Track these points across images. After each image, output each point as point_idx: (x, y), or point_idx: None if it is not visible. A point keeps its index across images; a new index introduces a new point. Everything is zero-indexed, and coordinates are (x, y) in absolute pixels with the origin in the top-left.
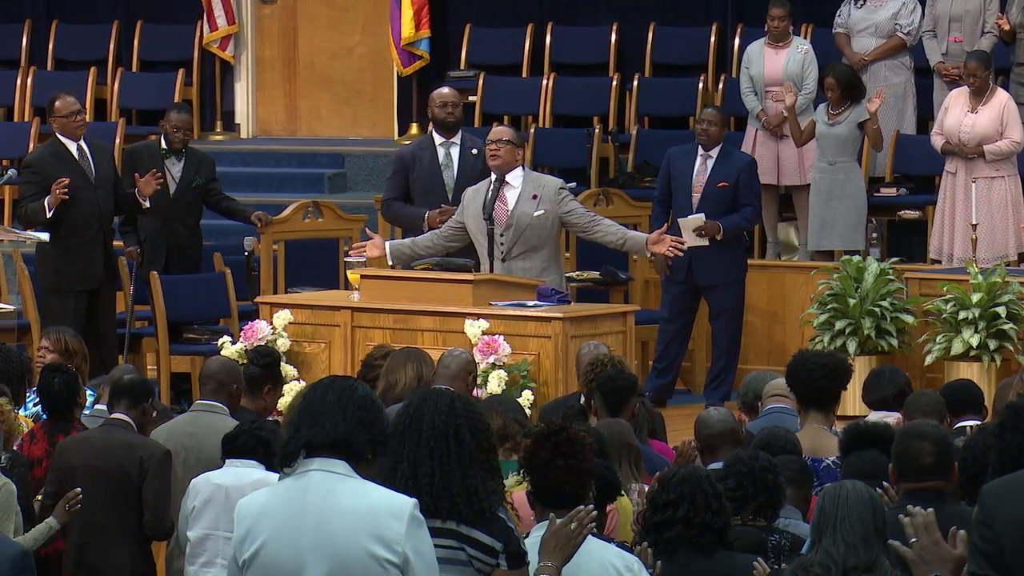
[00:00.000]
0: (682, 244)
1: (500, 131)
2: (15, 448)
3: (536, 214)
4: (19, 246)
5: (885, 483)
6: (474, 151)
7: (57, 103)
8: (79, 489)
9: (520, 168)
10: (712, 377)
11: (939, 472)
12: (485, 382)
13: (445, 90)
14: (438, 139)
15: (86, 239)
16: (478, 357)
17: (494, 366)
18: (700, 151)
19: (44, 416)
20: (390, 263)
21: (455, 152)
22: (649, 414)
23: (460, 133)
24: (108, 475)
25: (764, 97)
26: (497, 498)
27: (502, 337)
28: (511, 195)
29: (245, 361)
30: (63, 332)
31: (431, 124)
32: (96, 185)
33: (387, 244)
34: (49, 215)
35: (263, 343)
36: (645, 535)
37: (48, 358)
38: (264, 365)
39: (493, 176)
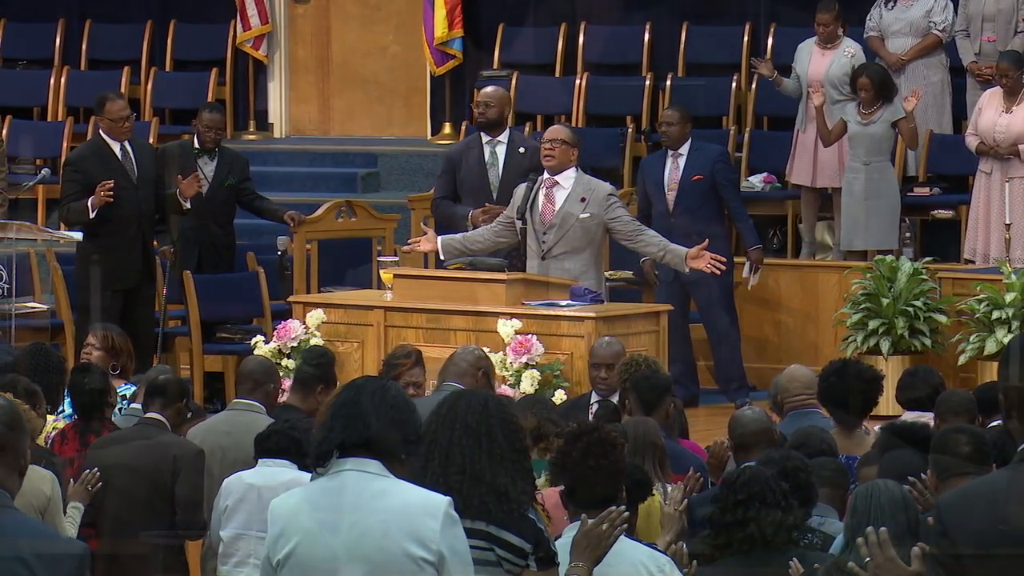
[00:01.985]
0: (722, 261)
1: (556, 131)
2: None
3: (582, 216)
4: (53, 245)
5: (911, 478)
6: (521, 150)
7: (108, 104)
8: (96, 469)
9: (573, 169)
10: (724, 381)
11: (976, 463)
12: (518, 382)
13: (487, 89)
14: (485, 137)
15: (126, 239)
16: (511, 357)
17: (527, 366)
18: (669, 152)
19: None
20: (442, 257)
21: (501, 151)
22: (680, 414)
23: (508, 132)
24: (141, 474)
25: (806, 97)
26: (527, 499)
27: (535, 337)
28: (560, 195)
29: (278, 360)
30: (110, 330)
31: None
32: (138, 185)
33: (439, 239)
34: (92, 216)
35: (296, 343)
36: (717, 536)
37: (94, 355)
38: (318, 365)
39: (544, 175)
